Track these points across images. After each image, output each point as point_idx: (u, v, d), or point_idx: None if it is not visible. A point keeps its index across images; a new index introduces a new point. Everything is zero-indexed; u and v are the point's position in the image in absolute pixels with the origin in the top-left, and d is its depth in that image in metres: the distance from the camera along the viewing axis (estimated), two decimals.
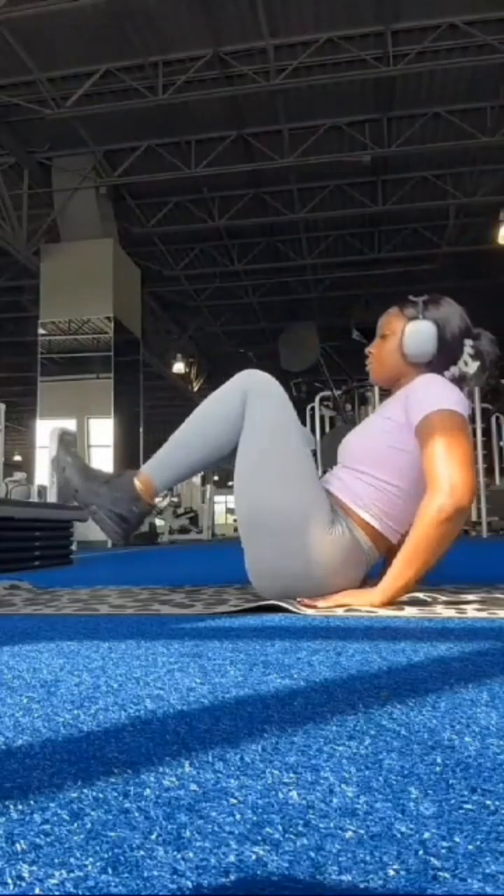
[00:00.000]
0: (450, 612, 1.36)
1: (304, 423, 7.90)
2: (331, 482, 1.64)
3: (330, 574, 1.54)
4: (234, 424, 1.57)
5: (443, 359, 1.62)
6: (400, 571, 1.40)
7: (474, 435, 9.55)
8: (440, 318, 1.62)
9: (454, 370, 1.63)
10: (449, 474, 1.38)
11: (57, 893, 0.34)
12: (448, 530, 1.38)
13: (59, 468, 1.70)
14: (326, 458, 7.52)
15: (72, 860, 0.37)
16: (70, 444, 1.79)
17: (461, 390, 1.59)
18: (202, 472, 1.74)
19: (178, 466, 1.62)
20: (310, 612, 1.41)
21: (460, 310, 1.67)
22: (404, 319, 1.65)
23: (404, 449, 1.54)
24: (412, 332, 1.61)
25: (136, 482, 1.62)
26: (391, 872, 0.35)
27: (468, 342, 1.64)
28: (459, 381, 1.63)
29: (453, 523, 1.38)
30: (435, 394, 1.50)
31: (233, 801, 0.45)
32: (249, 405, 1.57)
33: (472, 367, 1.63)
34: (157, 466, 1.63)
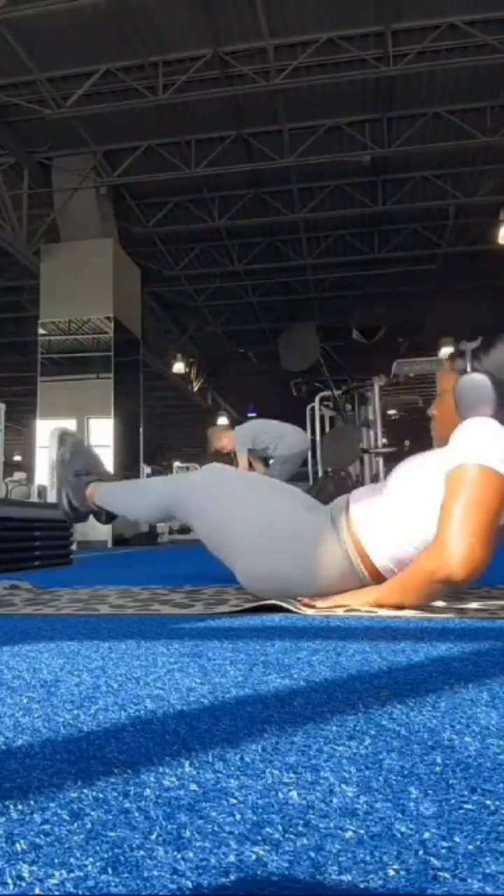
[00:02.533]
0: (450, 613, 1.36)
1: (304, 423, 7.91)
2: (357, 499, 1.56)
3: (321, 586, 1.54)
4: (164, 509, 1.85)
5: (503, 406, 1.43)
6: (388, 591, 1.39)
7: None
8: (493, 367, 1.45)
9: None
10: (459, 542, 1.25)
11: (57, 893, 0.34)
12: (435, 591, 1.36)
13: (60, 461, 2.08)
14: (327, 458, 7.53)
15: (72, 860, 0.37)
16: (70, 443, 2.11)
17: None
18: (127, 519, 2.16)
19: (112, 502, 1.97)
20: (310, 612, 1.41)
21: None
22: (456, 375, 1.51)
23: (436, 500, 1.38)
24: (463, 389, 1.45)
25: (89, 487, 1.99)
26: (391, 872, 0.35)
27: None
28: None
29: (440, 589, 1.34)
30: (479, 443, 1.33)
31: (233, 801, 0.45)
32: (202, 505, 1.73)
33: None
34: (105, 490, 1.98)
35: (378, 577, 1.50)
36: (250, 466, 5.43)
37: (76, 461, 2.02)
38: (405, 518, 1.44)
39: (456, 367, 1.53)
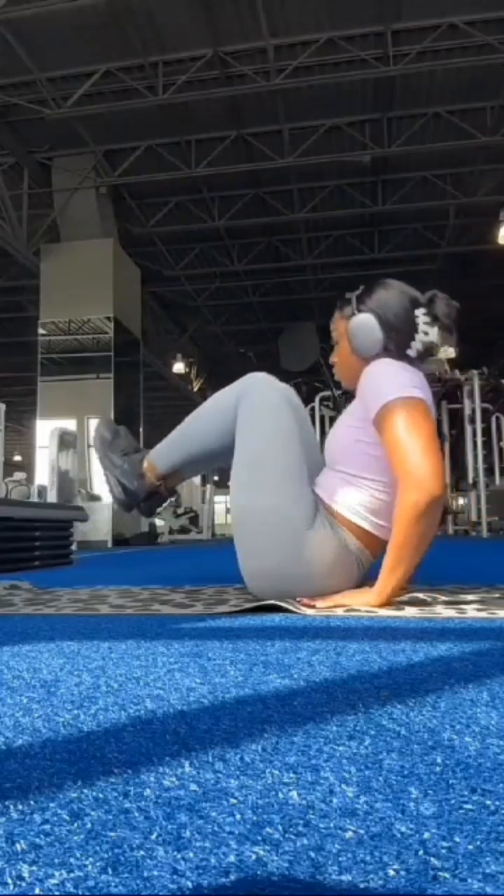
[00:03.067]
0: (450, 612, 1.36)
1: None
2: (316, 484, 1.64)
3: (318, 575, 1.53)
4: (225, 426, 1.64)
5: (397, 340, 1.56)
6: (389, 572, 1.40)
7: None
8: (376, 306, 1.58)
9: (415, 345, 1.56)
10: (415, 465, 1.35)
11: (57, 893, 0.34)
12: (426, 523, 1.37)
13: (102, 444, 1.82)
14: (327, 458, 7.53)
15: (72, 860, 0.37)
16: (105, 424, 1.86)
17: (423, 363, 1.58)
18: (199, 468, 1.83)
19: (174, 455, 1.74)
20: (310, 612, 1.41)
21: (399, 286, 1.62)
22: (344, 319, 1.65)
23: (372, 442, 1.51)
24: (353, 329, 1.59)
25: (145, 461, 1.75)
26: (391, 872, 0.35)
27: (419, 311, 1.57)
28: (426, 352, 1.56)
29: (431, 515, 1.36)
30: (386, 381, 1.47)
31: (233, 801, 0.45)
32: (242, 409, 1.61)
33: (433, 333, 1.56)
34: (159, 450, 1.76)
35: (368, 540, 1.56)
36: None
37: (118, 442, 1.80)
38: (358, 472, 1.55)
39: (344, 313, 1.65)
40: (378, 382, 1.48)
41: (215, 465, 1.84)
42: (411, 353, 1.56)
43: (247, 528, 1.57)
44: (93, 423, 9.57)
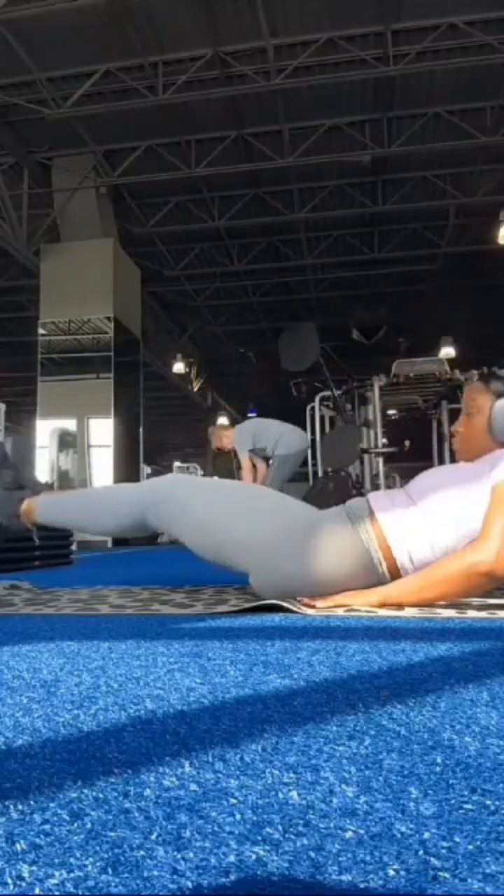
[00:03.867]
0: (450, 612, 1.36)
1: (304, 423, 7.92)
2: (379, 496, 1.58)
3: (342, 572, 1.52)
4: (122, 517, 1.72)
5: None
6: (409, 590, 1.40)
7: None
8: None
9: None
10: (500, 536, 1.33)
11: (57, 893, 0.34)
12: (473, 586, 1.37)
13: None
14: (326, 458, 7.52)
15: (72, 860, 0.37)
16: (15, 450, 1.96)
17: None
18: (75, 529, 1.98)
19: (62, 517, 1.81)
20: (310, 612, 1.41)
21: None
22: (491, 396, 1.57)
23: (470, 498, 1.45)
24: (501, 411, 1.52)
25: (25, 503, 1.81)
26: (391, 872, 0.35)
27: None
28: None
29: (481, 584, 1.36)
30: None
31: (233, 801, 0.45)
32: (177, 513, 1.65)
33: None
34: (47, 504, 1.81)
35: (395, 575, 1.51)
36: (253, 467, 5.46)
37: (5, 474, 1.84)
38: (434, 528, 1.48)
39: (493, 388, 1.56)
40: None
41: (91, 533, 1.95)
42: None
43: (271, 558, 1.56)
44: (93, 423, 9.58)
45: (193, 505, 1.64)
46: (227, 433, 5.71)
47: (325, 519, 1.57)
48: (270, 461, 5.54)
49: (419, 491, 1.54)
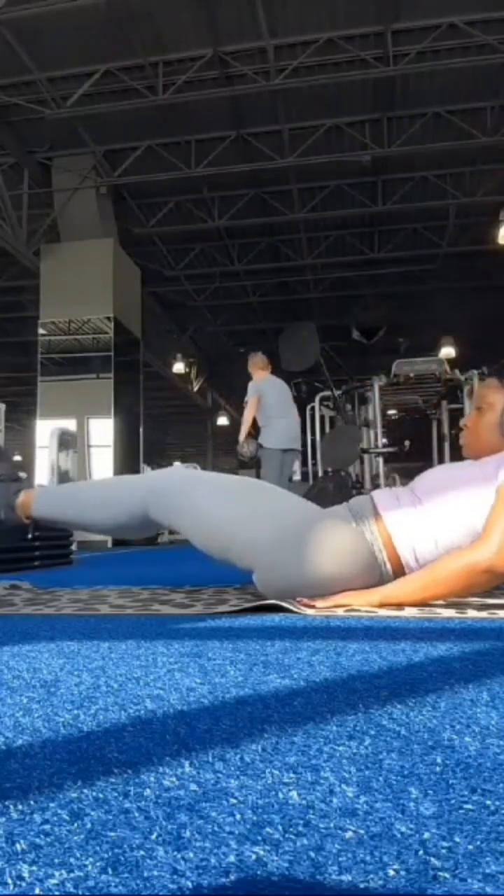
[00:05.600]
0: (450, 612, 1.36)
1: (304, 423, 7.94)
2: (383, 494, 1.58)
3: (347, 570, 1.51)
4: (122, 512, 1.67)
5: None
6: (410, 588, 1.40)
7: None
8: None
9: None
10: (502, 534, 1.34)
11: (57, 893, 0.34)
12: (474, 583, 1.37)
13: None
14: (326, 457, 7.52)
15: (72, 860, 0.37)
16: None
17: None
18: (73, 527, 1.86)
19: (59, 511, 1.74)
20: (310, 612, 1.41)
21: None
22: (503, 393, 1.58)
23: (477, 496, 1.45)
24: None
25: (22, 494, 1.74)
26: (391, 872, 0.35)
27: None
28: None
29: (482, 581, 1.37)
30: None
31: (233, 801, 0.45)
32: (176, 502, 1.61)
33: None
34: (43, 496, 1.75)
35: (399, 573, 1.51)
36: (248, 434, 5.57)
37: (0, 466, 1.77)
38: (439, 526, 1.48)
39: None
40: None
41: (89, 531, 1.86)
42: None
43: (280, 553, 1.54)
44: (93, 423, 9.58)
45: (197, 499, 1.61)
46: (262, 364, 5.85)
47: (328, 517, 1.57)
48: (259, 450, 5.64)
49: (424, 489, 1.54)
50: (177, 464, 17.32)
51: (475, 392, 1.67)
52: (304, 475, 8.68)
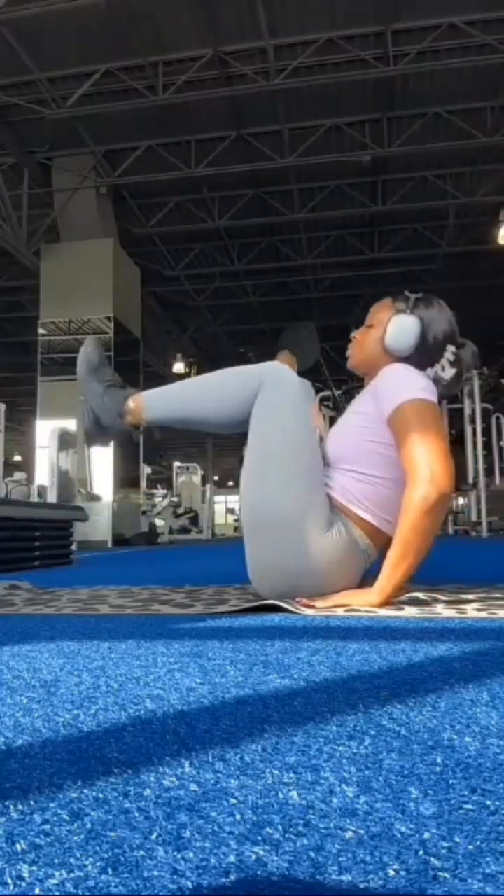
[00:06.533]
0: (450, 612, 1.36)
1: None
2: (329, 487, 1.63)
3: (327, 574, 1.54)
4: (238, 405, 1.60)
5: (421, 358, 1.62)
6: (394, 567, 1.41)
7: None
8: (427, 318, 1.63)
9: (430, 372, 1.62)
10: (427, 462, 1.39)
11: (57, 893, 0.34)
12: (434, 519, 1.39)
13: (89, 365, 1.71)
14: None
15: (72, 860, 0.37)
16: (94, 345, 1.73)
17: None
18: (186, 427, 1.73)
19: (171, 408, 1.67)
20: (309, 612, 1.41)
21: (450, 314, 1.67)
22: (392, 311, 1.67)
23: (381, 441, 1.55)
24: (396, 324, 1.62)
25: (130, 401, 1.65)
26: (391, 872, 0.35)
27: (450, 348, 1.63)
28: (433, 383, 1.59)
29: (438, 511, 1.39)
30: (402, 383, 1.51)
31: (233, 801, 0.45)
32: (265, 398, 1.58)
33: (449, 373, 1.63)
34: (155, 397, 1.68)
35: (374, 535, 1.58)
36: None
37: (103, 371, 1.68)
38: (367, 469, 1.57)
39: (397, 305, 1.68)
40: (396, 382, 1.52)
41: (204, 431, 1.78)
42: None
43: (262, 530, 1.55)
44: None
45: (283, 424, 1.57)
46: (289, 361, 5.87)
47: (315, 512, 1.57)
48: None
49: (338, 456, 1.62)
50: (176, 464, 17.29)
51: (370, 311, 1.75)
52: None
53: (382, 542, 1.60)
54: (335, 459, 1.63)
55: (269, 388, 1.58)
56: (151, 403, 1.65)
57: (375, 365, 1.66)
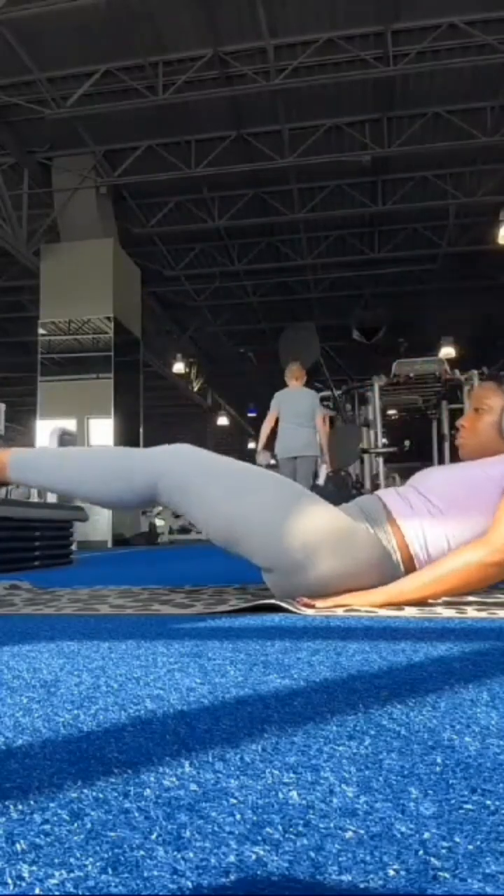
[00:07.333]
0: (450, 612, 1.36)
1: None
2: (393, 498, 1.60)
3: (355, 570, 1.51)
4: (120, 491, 1.58)
5: None
6: (416, 587, 1.41)
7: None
8: None
9: None
10: None
11: (57, 893, 0.34)
12: (479, 579, 1.39)
13: None
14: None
15: (72, 860, 0.37)
16: None
17: None
18: (51, 491, 1.73)
19: (39, 477, 1.66)
20: (309, 612, 1.41)
21: None
22: (501, 396, 1.63)
23: (484, 505, 1.49)
24: None
25: None
26: (391, 872, 0.35)
27: None
28: None
29: (487, 577, 1.39)
30: None
31: (233, 801, 0.45)
32: (176, 483, 1.55)
33: None
34: (23, 459, 1.66)
35: (410, 565, 1.54)
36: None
37: None
38: (455, 532, 1.51)
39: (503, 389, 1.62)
40: None
41: (67, 498, 1.79)
42: None
43: (290, 552, 1.50)
44: (93, 423, 9.57)
45: (206, 488, 1.55)
46: (299, 373, 6.17)
47: (349, 521, 1.53)
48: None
49: (438, 493, 1.55)
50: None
51: (473, 394, 1.71)
52: None
53: (411, 571, 1.55)
54: (427, 488, 1.57)
55: (171, 476, 1.55)
56: (19, 464, 1.65)
57: (495, 451, 1.63)
